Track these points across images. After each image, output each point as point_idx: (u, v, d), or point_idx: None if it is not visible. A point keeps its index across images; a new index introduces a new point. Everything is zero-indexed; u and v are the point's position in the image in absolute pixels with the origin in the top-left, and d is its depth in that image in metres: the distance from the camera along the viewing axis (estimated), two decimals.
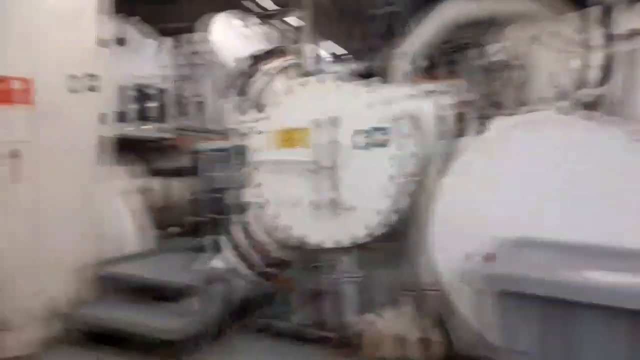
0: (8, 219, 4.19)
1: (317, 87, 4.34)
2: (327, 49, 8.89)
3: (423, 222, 4.38)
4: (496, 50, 6.14)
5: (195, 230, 7.87)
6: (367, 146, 4.15)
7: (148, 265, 5.36)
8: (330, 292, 5.05)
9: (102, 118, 5.12)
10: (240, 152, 4.79)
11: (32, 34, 4.26)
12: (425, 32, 6.58)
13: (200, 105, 7.97)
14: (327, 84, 4.32)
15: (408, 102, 4.38)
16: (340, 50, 9.32)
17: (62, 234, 4.68)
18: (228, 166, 7.60)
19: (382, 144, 4.11)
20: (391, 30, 8.33)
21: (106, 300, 4.90)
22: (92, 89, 4.86)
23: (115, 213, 5.63)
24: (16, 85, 4.12)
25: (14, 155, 4.09)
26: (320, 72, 4.92)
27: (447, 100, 4.77)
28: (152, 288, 5.13)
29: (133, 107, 6.57)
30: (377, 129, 4.12)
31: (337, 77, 4.31)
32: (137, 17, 7.50)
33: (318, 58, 8.60)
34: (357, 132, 4.17)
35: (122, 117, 6.31)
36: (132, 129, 6.50)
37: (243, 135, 4.81)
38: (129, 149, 6.27)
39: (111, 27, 5.14)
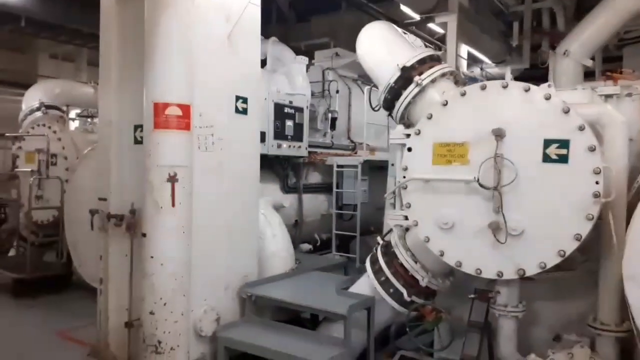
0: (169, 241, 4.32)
1: (479, 95, 3.83)
2: (470, 55, 8.32)
3: (611, 250, 3.67)
4: None
5: (326, 247, 7.87)
6: (545, 162, 3.55)
7: (293, 288, 5.23)
8: (485, 327, 4.51)
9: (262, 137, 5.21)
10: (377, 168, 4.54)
11: (194, 60, 4.39)
12: (595, 27, 5.76)
13: (333, 121, 7.91)
14: (491, 90, 3.79)
15: (590, 109, 3.71)
16: (483, 56, 8.68)
17: (220, 254, 4.76)
18: (360, 182, 7.52)
19: (563, 159, 3.48)
20: (545, 27, 7.54)
21: (252, 322, 4.83)
22: (247, 111, 4.98)
23: (270, 230, 5.62)
24: (176, 111, 4.21)
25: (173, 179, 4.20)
26: (474, 79, 4.42)
27: (638, 104, 4.01)
28: (296, 313, 5.02)
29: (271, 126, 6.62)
30: (556, 142, 3.50)
31: (502, 84, 3.75)
32: (274, 38, 7.66)
33: (469, 64, 8.10)
34: (531, 146, 3.59)
35: (261, 136, 6.38)
36: (271, 148, 6.53)
37: (393, 151, 4.48)
38: (265, 167, 6.32)
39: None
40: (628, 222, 3.61)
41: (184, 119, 4.25)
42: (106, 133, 5.02)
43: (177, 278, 4.30)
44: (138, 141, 4.72)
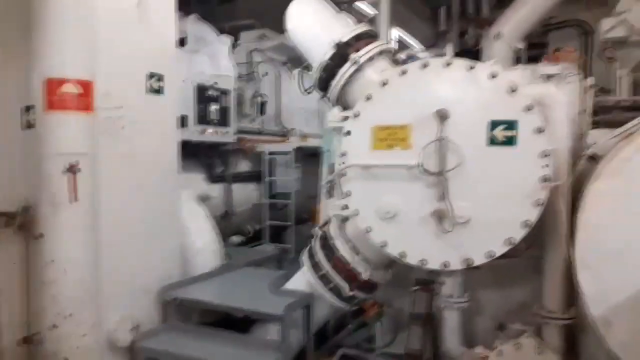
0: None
1: (421, 74, 3.54)
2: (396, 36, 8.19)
3: (556, 236, 3.55)
4: (612, 25, 5.18)
5: (258, 239, 7.49)
6: (490, 145, 3.32)
7: (222, 287, 4.77)
8: (428, 319, 4.33)
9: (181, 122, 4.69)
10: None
11: (96, 30, 3.76)
12: (526, 9, 5.72)
13: (262, 105, 7.46)
14: (433, 69, 3.51)
15: (535, 89, 3.54)
16: (411, 38, 8.57)
17: (135, 254, 4.19)
18: (292, 170, 7.19)
19: (510, 142, 3.28)
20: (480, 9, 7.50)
21: (176, 328, 4.31)
22: (163, 90, 4.38)
23: (195, 225, 5.08)
24: (74, 89, 3.56)
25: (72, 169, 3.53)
26: (414, 58, 4.13)
27: (577, 85, 3.91)
28: (227, 314, 4.57)
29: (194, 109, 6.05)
30: (503, 123, 3.29)
31: (444, 62, 3.48)
32: (195, 15, 7.03)
33: (401, 44, 7.89)
34: (477, 128, 3.36)
35: (182, 120, 5.81)
36: (194, 133, 5.98)
37: (327, 136, 4.12)
38: (188, 155, 5.77)
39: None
40: (571, 207, 3.52)
41: (85, 98, 3.61)
42: None
43: (84, 284, 3.70)
44: (29, 125, 3.99)
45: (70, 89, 3.52)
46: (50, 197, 3.57)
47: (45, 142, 3.56)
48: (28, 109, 3.99)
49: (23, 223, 3.98)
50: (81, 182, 3.59)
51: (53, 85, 3.50)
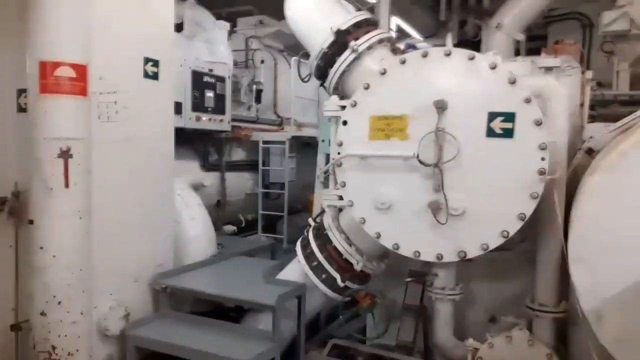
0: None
1: (420, 64, 3.49)
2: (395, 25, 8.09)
3: (551, 229, 3.55)
4: (613, 18, 5.14)
5: (251, 228, 7.45)
6: (489, 136, 3.30)
7: (215, 276, 4.73)
8: (420, 311, 4.33)
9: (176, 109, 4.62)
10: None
11: (92, 11, 3.65)
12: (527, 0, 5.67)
13: (258, 94, 7.38)
14: (433, 58, 3.46)
15: (534, 81, 3.51)
16: (412, 30, 8.47)
17: (128, 242, 4.13)
18: (287, 160, 7.14)
19: (507, 133, 3.25)
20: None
21: (167, 317, 4.28)
22: (159, 76, 4.29)
23: (188, 213, 5.04)
24: (69, 72, 3.47)
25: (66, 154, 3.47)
26: (414, 47, 4.08)
27: (577, 78, 3.89)
28: (219, 303, 4.55)
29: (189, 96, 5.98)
30: (501, 115, 3.26)
31: (444, 51, 3.43)
32: (192, 0, 6.92)
33: (401, 34, 7.81)
34: (475, 119, 3.33)
35: (177, 107, 5.74)
36: (189, 120, 5.91)
37: (324, 126, 4.07)
38: (183, 142, 5.71)
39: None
40: (567, 201, 3.51)
41: (79, 82, 3.52)
42: None
43: (74, 272, 3.63)
44: (22, 109, 3.91)
45: (64, 72, 3.43)
46: (42, 182, 3.50)
47: (38, 126, 3.47)
48: (21, 92, 3.92)
49: (13, 208, 3.93)
50: (73, 168, 3.51)
51: (47, 68, 3.41)
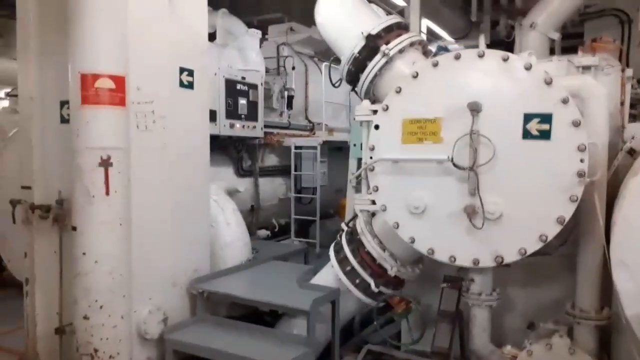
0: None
1: (453, 66, 3.46)
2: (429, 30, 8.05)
3: (592, 233, 3.44)
4: None
5: (284, 233, 7.51)
6: (525, 138, 3.23)
7: (250, 281, 4.79)
8: (456, 317, 4.25)
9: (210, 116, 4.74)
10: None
11: (129, 25, 3.79)
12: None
13: (290, 100, 7.45)
14: (466, 60, 3.42)
15: (571, 81, 3.42)
16: (443, 32, 8.42)
17: (165, 247, 4.24)
18: (319, 164, 7.17)
19: (544, 135, 3.18)
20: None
21: (204, 321, 4.36)
22: (194, 85, 4.41)
23: (223, 218, 5.14)
24: (108, 84, 3.62)
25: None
26: (446, 49, 4.04)
27: (616, 76, 3.77)
28: (254, 307, 4.60)
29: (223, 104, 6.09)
30: (537, 116, 3.19)
31: (477, 53, 3.39)
32: (224, 9, 7.07)
33: (432, 36, 7.76)
34: (510, 121, 3.27)
35: (211, 115, 5.85)
36: (223, 128, 6.03)
37: (355, 130, 4.07)
38: (217, 149, 5.82)
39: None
40: (608, 203, 3.40)
41: (118, 93, 3.66)
42: (27, 111, 4.32)
43: (115, 276, 3.75)
44: (65, 120, 4.08)
45: (104, 83, 3.57)
46: (84, 190, 3.64)
47: (79, 136, 3.62)
48: (64, 104, 4.09)
49: (58, 216, 4.09)
50: (113, 176, 3.64)
51: (87, 80, 3.56)
